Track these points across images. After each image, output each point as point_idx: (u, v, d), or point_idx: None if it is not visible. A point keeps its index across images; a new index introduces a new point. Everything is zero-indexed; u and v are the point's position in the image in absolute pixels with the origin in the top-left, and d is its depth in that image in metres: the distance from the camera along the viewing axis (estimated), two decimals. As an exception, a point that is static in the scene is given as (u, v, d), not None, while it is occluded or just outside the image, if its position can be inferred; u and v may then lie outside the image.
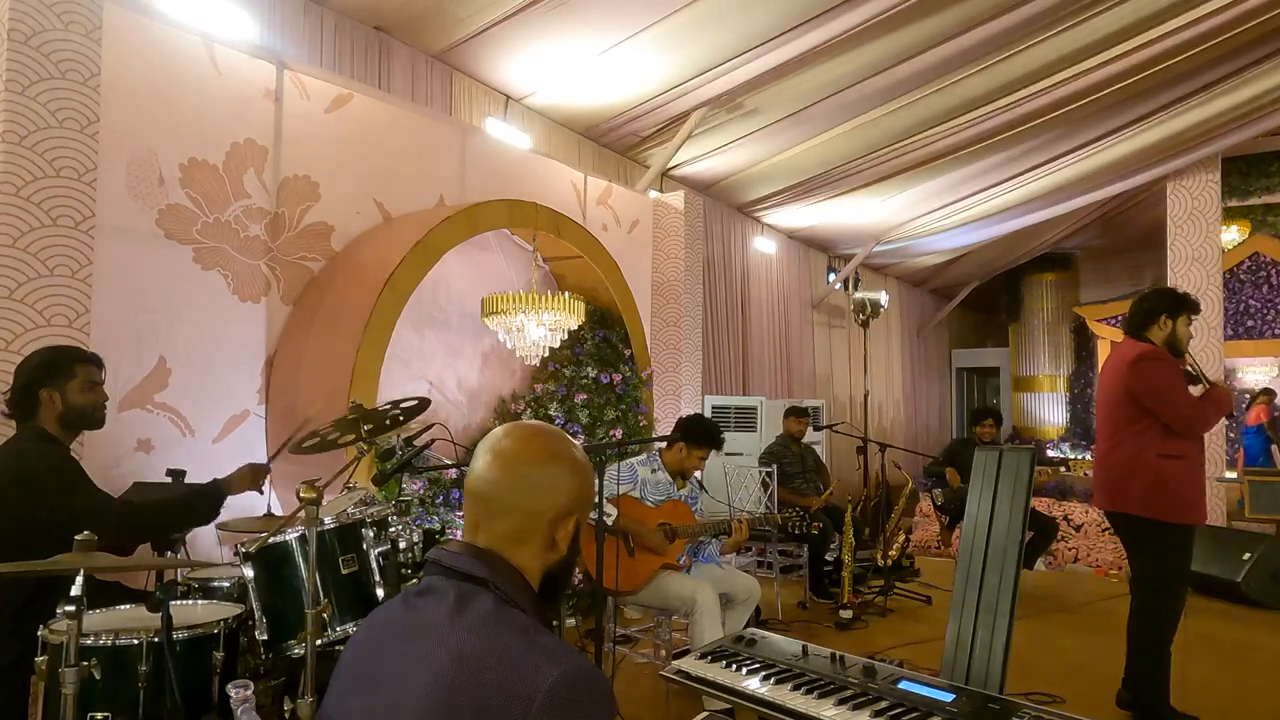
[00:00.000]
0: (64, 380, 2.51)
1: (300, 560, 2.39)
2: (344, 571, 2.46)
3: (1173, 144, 7.68)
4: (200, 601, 2.51)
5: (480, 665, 1.01)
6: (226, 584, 2.72)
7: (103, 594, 2.44)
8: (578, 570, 4.37)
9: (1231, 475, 7.20)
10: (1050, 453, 12.89)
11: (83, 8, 3.16)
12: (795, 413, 6.31)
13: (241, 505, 3.59)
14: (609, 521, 3.27)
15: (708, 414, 7.08)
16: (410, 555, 2.74)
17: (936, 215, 9.06)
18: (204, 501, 2.65)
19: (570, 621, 4.61)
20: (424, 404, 3.10)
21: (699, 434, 3.84)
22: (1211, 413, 3.26)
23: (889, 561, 5.80)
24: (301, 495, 2.10)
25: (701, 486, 4.18)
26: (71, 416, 2.53)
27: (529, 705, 0.98)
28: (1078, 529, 7.63)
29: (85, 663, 1.78)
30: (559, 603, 1.29)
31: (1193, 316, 3.34)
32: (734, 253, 8.19)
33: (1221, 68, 6.42)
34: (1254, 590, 5.50)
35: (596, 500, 3.00)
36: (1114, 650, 3.49)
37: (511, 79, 5.49)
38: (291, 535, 2.41)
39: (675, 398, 6.49)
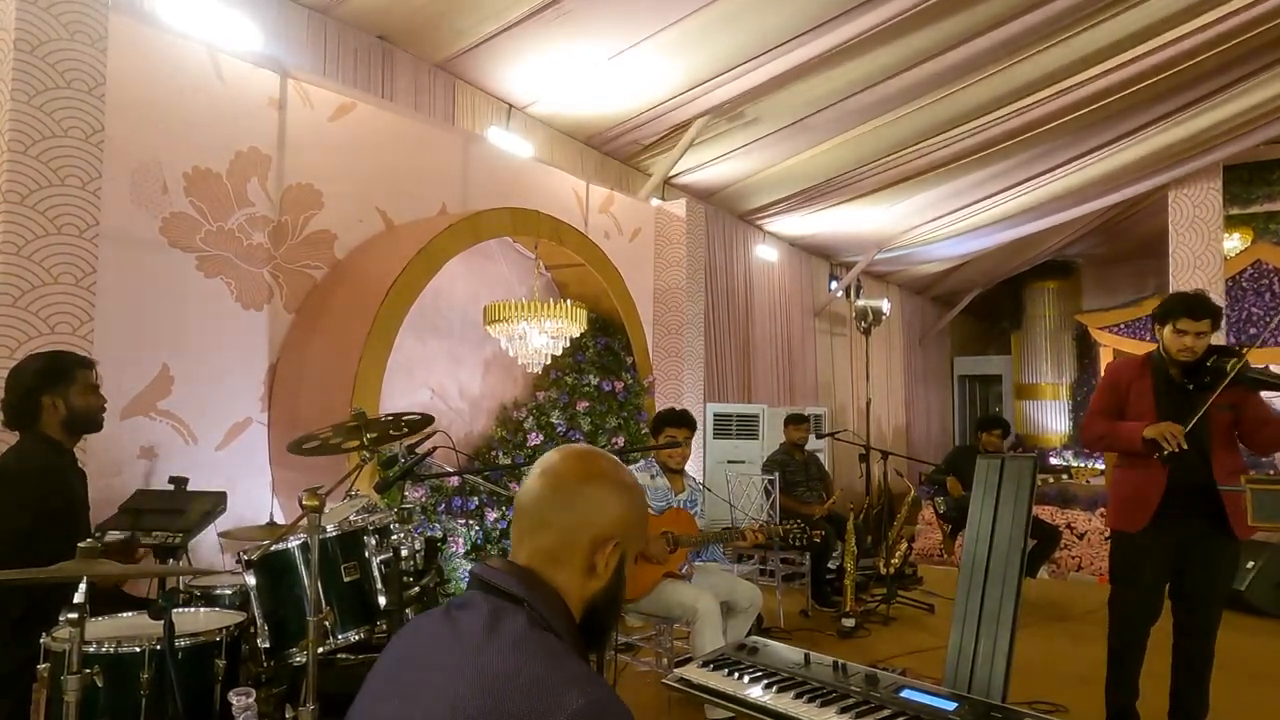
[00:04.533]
0: (65, 385, 2.52)
1: (302, 568, 2.39)
2: (346, 579, 2.46)
3: (1174, 152, 7.69)
4: (202, 609, 2.51)
5: (504, 693, 0.99)
6: (229, 591, 2.72)
7: (104, 601, 2.45)
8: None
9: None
10: (1053, 460, 12.86)
11: (88, 17, 3.18)
12: (794, 420, 6.31)
13: (244, 513, 3.61)
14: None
15: (710, 422, 7.09)
16: (412, 563, 2.73)
17: (938, 223, 9.08)
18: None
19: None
20: (427, 420, 3.11)
21: (659, 424, 3.95)
22: (1109, 437, 3.16)
23: (891, 569, 5.79)
24: (304, 503, 2.10)
25: (703, 487, 4.19)
26: (75, 421, 2.55)
27: None
28: (1081, 537, 7.61)
29: (87, 670, 1.78)
30: (603, 643, 1.26)
31: (1180, 323, 3.02)
32: (736, 260, 8.21)
33: (1222, 76, 6.44)
34: (1258, 599, 5.48)
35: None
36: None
37: (514, 88, 5.51)
38: (294, 543, 2.41)
39: (677, 405, 6.49)
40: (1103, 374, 3.36)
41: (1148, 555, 3.11)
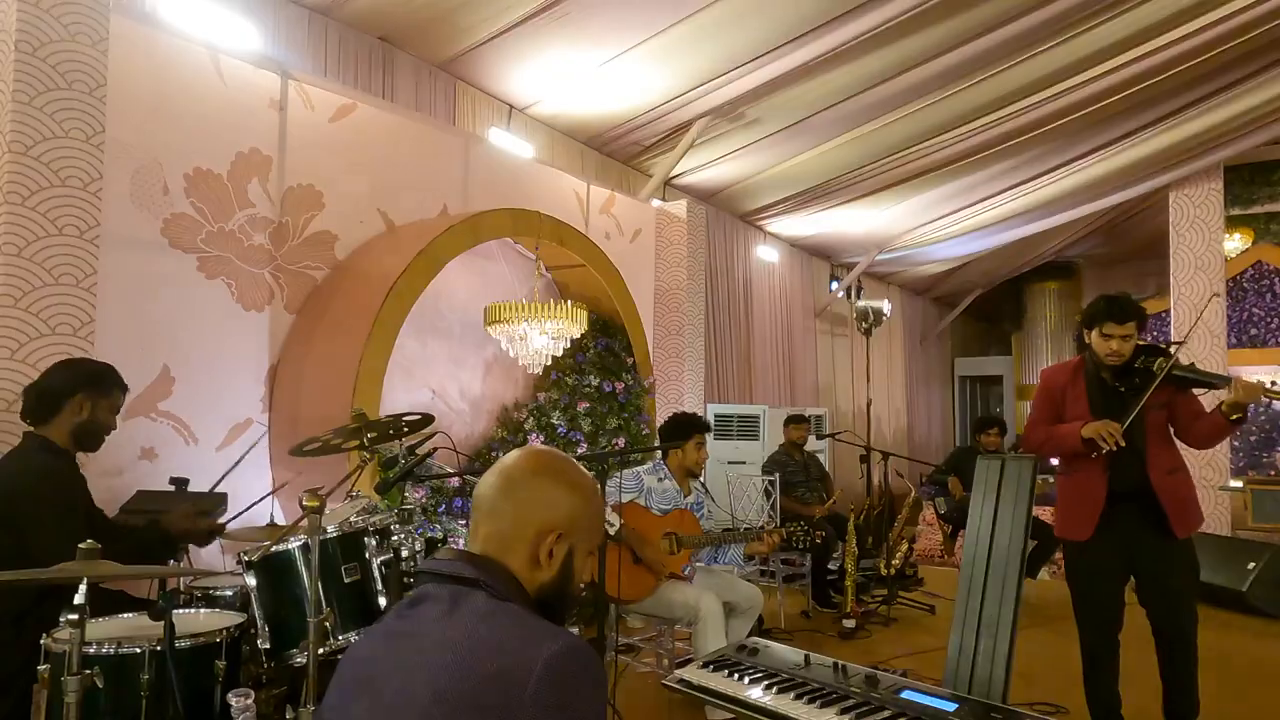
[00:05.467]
0: (102, 396, 2.60)
1: (303, 569, 2.39)
2: (346, 580, 2.46)
3: (1175, 153, 7.69)
4: (203, 610, 2.51)
5: (476, 657, 1.03)
6: (229, 592, 2.72)
7: (105, 602, 2.45)
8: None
9: (1236, 484, 7.17)
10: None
11: (89, 18, 3.18)
12: (794, 420, 6.32)
13: (244, 514, 3.60)
14: (611, 531, 3.26)
15: (711, 422, 7.08)
16: (412, 564, 2.74)
17: (939, 224, 9.07)
18: (153, 547, 2.64)
19: (573, 630, 4.61)
20: (427, 421, 3.12)
21: (676, 431, 3.93)
22: (1050, 442, 3.17)
23: (892, 570, 5.79)
24: (304, 504, 2.11)
25: (706, 490, 4.18)
26: (88, 431, 2.59)
27: (527, 678, 1.00)
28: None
29: (88, 671, 1.79)
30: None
31: (1106, 328, 3.03)
32: (736, 261, 8.21)
33: (1223, 77, 6.43)
34: (1259, 600, 5.47)
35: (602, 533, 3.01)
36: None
37: (515, 89, 5.51)
38: (294, 544, 2.41)
39: (678, 406, 6.48)
40: (1038, 383, 3.34)
41: (1097, 559, 3.11)
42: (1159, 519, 3.02)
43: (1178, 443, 3.16)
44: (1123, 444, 2.91)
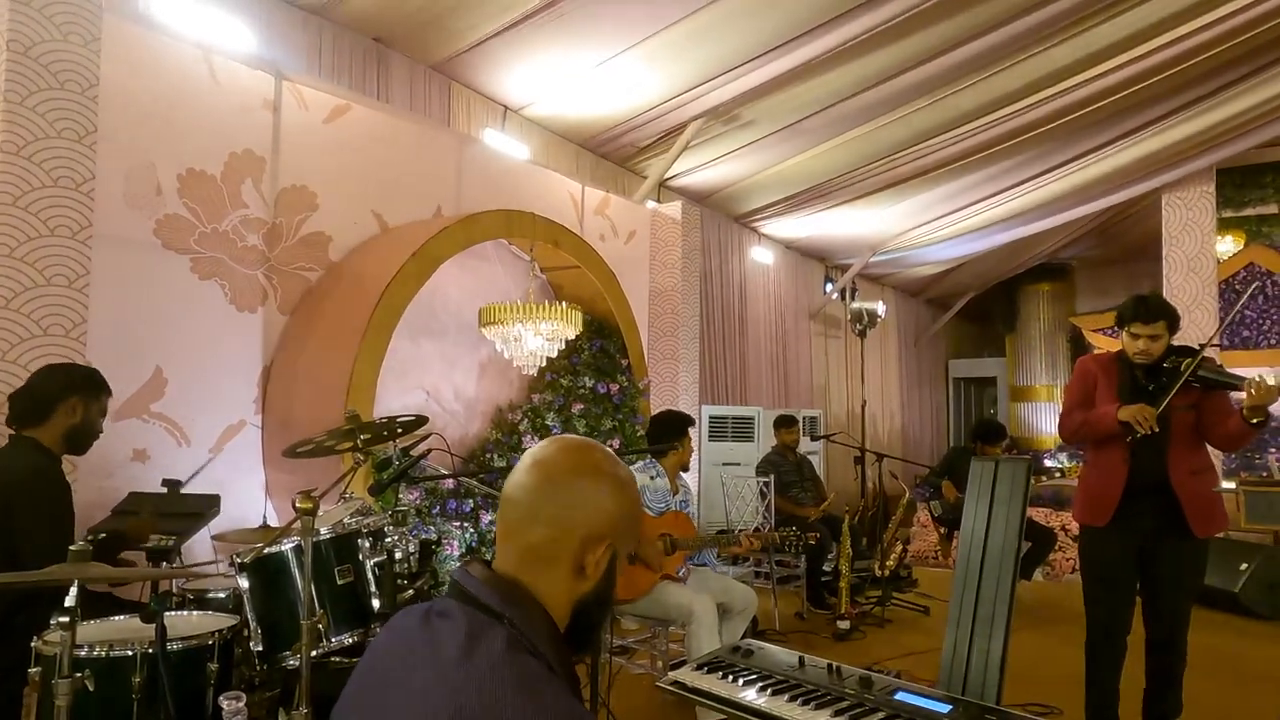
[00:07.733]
0: (93, 399, 2.64)
1: (296, 571, 2.38)
2: (340, 582, 2.45)
3: (1167, 156, 7.73)
4: (195, 612, 2.49)
5: None
6: (221, 594, 2.71)
7: (95, 604, 2.44)
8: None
9: (1229, 485, 7.20)
10: (1047, 462, 12.88)
11: (82, 18, 3.17)
12: (784, 423, 6.31)
13: (237, 515, 3.60)
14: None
15: (705, 424, 7.09)
16: (406, 565, 2.73)
17: (933, 226, 9.10)
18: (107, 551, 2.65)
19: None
20: (421, 422, 3.11)
21: (672, 429, 3.95)
22: (1086, 425, 3.17)
23: (886, 572, 5.79)
24: (297, 505, 2.10)
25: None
26: (79, 434, 2.61)
27: None
28: (1076, 539, 7.61)
29: (79, 674, 1.77)
30: (592, 646, 1.19)
31: (1134, 327, 3.07)
32: (731, 263, 8.22)
33: (1215, 80, 6.47)
34: (1251, 601, 5.49)
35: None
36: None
37: (509, 90, 5.51)
38: (287, 545, 2.40)
39: (672, 408, 6.48)
40: (1072, 370, 3.40)
41: (1114, 550, 3.12)
42: (1176, 517, 3.03)
43: (1207, 446, 3.15)
44: (1156, 429, 2.93)
